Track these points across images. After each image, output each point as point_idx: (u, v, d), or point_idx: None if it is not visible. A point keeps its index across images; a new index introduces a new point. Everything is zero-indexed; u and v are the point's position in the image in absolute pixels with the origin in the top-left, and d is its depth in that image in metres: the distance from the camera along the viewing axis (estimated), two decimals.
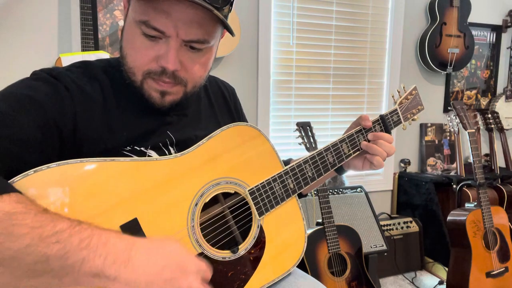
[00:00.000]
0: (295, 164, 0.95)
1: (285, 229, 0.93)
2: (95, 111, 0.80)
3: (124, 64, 0.82)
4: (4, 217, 0.56)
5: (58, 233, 0.58)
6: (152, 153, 0.84)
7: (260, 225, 0.89)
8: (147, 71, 0.80)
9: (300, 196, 1.01)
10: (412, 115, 1.17)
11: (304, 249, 0.94)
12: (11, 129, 0.67)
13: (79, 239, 0.59)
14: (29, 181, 0.64)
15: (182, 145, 0.87)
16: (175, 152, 0.87)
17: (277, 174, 0.92)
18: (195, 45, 0.79)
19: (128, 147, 0.82)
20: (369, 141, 1.05)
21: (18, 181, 0.63)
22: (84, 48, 1.85)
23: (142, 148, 0.83)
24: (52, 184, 0.64)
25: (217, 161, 0.86)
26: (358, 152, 1.05)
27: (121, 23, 2.15)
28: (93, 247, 0.59)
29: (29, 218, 0.57)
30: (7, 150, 0.65)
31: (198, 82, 0.86)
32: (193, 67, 0.82)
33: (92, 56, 1.81)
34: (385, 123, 1.09)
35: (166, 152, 0.86)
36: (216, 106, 1.04)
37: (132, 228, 0.70)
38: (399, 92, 1.18)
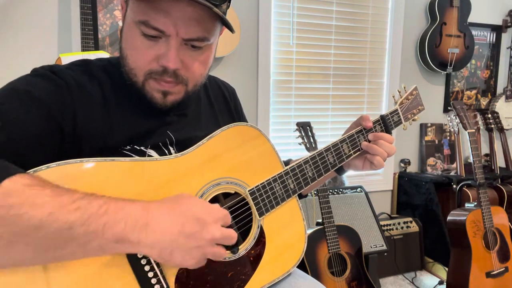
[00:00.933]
0: (296, 164, 0.95)
1: (285, 230, 0.93)
2: (94, 109, 0.80)
3: (125, 65, 0.82)
4: (25, 188, 0.58)
5: (77, 201, 0.60)
6: (152, 153, 0.84)
7: (260, 225, 0.89)
8: (148, 71, 0.80)
9: (300, 196, 1.01)
10: (412, 115, 1.17)
11: (304, 250, 0.94)
12: (11, 125, 0.68)
13: (98, 205, 0.61)
14: None
15: (182, 145, 0.87)
16: (175, 152, 0.87)
17: (277, 174, 0.92)
18: (195, 43, 0.79)
19: (128, 146, 0.82)
20: (369, 141, 1.05)
21: None
22: (84, 48, 1.85)
23: (142, 148, 0.83)
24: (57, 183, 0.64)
25: (218, 161, 0.86)
26: (358, 153, 1.05)
27: (121, 23, 2.15)
28: (112, 213, 0.61)
29: (48, 188, 0.59)
30: (6, 146, 0.66)
31: (199, 81, 0.86)
32: (193, 66, 0.82)
33: (92, 56, 1.81)
34: (386, 123, 1.09)
35: (166, 152, 0.86)
36: (216, 106, 1.04)
37: None
38: (399, 92, 1.18)
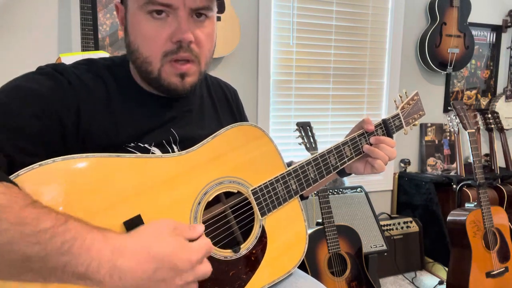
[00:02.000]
0: (298, 165, 0.95)
1: (287, 230, 0.93)
2: (98, 107, 0.80)
3: (137, 57, 0.82)
4: None
5: (39, 233, 0.55)
6: (156, 151, 0.84)
7: (262, 225, 0.89)
8: (164, 53, 0.80)
9: (302, 198, 1.01)
10: (413, 120, 1.18)
11: (305, 251, 0.94)
12: (15, 121, 0.68)
13: (61, 242, 0.56)
14: (34, 175, 0.64)
15: (185, 143, 0.88)
16: (178, 150, 0.87)
17: (280, 175, 0.92)
18: (201, 11, 0.81)
19: (132, 144, 0.82)
20: (371, 144, 1.05)
21: (23, 174, 0.63)
22: (84, 48, 1.84)
23: (146, 145, 0.83)
24: (57, 178, 0.64)
25: (221, 160, 0.86)
26: (360, 155, 1.05)
27: None
28: (75, 253, 0.57)
29: (12, 213, 0.55)
30: (11, 141, 0.66)
31: (208, 58, 0.87)
32: (202, 39, 0.83)
33: (92, 56, 1.81)
34: (387, 127, 1.09)
35: (170, 150, 0.86)
36: (219, 107, 1.04)
37: (135, 224, 0.70)
38: (401, 97, 1.19)
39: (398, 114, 1.14)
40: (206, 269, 0.68)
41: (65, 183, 0.65)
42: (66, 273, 0.57)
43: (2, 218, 0.54)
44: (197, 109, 0.97)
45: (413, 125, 1.19)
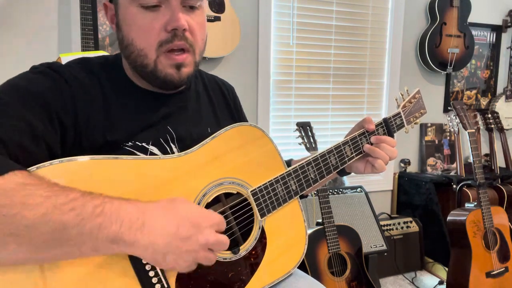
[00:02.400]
0: (298, 165, 0.95)
1: (286, 231, 0.93)
2: (94, 105, 0.80)
3: (132, 51, 0.82)
4: (18, 187, 0.57)
5: (72, 201, 0.59)
6: (154, 150, 0.84)
7: (262, 226, 0.89)
8: (159, 43, 0.80)
9: (301, 196, 1.01)
10: (414, 119, 1.17)
11: (305, 251, 0.94)
12: (13, 120, 0.68)
13: (93, 205, 0.60)
14: None
15: (183, 142, 0.88)
16: (177, 148, 0.87)
17: (279, 176, 0.92)
18: (192, 2, 0.81)
19: (129, 142, 0.82)
20: (372, 144, 1.05)
21: None
22: (84, 48, 1.84)
23: (143, 144, 0.83)
24: (55, 180, 0.64)
25: (220, 161, 0.86)
26: (361, 155, 1.05)
27: None
28: (108, 213, 0.61)
29: (42, 188, 0.58)
30: (12, 141, 0.66)
31: (201, 48, 0.88)
32: (195, 28, 0.84)
33: (92, 56, 1.81)
34: (388, 126, 1.09)
35: (168, 149, 0.86)
36: (216, 104, 1.04)
37: None
38: (402, 95, 1.17)
39: (399, 113, 1.13)
40: (225, 238, 0.72)
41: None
42: (100, 237, 0.60)
43: (37, 193, 0.57)
44: (193, 105, 0.97)
45: (415, 123, 1.18)
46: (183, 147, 0.85)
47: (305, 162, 0.96)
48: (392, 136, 1.08)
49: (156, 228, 0.64)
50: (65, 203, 0.59)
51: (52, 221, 0.57)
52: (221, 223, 0.72)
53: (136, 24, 0.80)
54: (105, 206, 0.61)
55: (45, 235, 0.57)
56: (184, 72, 0.85)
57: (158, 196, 0.74)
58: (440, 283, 2.42)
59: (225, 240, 0.72)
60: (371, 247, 2.23)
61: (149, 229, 0.64)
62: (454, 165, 2.90)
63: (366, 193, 2.48)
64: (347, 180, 2.59)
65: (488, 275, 2.03)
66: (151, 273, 0.71)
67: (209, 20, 2.09)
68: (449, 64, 2.81)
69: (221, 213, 0.87)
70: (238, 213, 0.89)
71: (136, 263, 0.69)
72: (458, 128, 2.61)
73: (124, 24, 0.82)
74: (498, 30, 3.10)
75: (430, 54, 2.77)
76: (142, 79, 0.87)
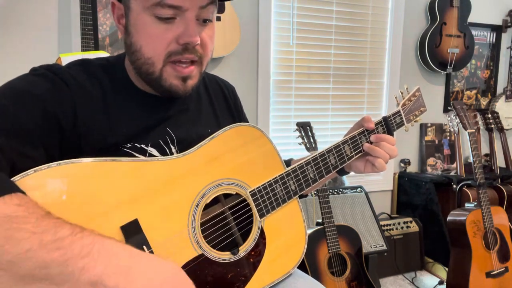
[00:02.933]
0: (297, 165, 0.95)
1: (286, 231, 0.93)
2: (94, 107, 0.80)
3: (139, 58, 0.81)
4: (5, 219, 0.55)
5: (59, 240, 0.56)
6: (153, 151, 0.84)
7: (261, 226, 0.89)
8: (168, 53, 0.80)
9: (300, 196, 1.00)
10: (414, 117, 1.17)
11: (304, 251, 0.94)
12: (11, 123, 0.67)
13: (81, 246, 0.57)
14: (29, 181, 0.63)
15: (182, 143, 0.87)
16: (176, 150, 0.87)
17: (278, 176, 0.92)
18: (206, 13, 0.81)
19: (128, 144, 0.82)
20: (371, 143, 1.04)
21: (18, 181, 0.62)
22: (84, 48, 1.84)
23: (142, 145, 0.83)
24: (52, 184, 0.64)
25: (219, 162, 0.85)
26: (360, 154, 1.04)
27: None
28: (94, 255, 0.58)
29: (30, 222, 0.56)
30: (9, 145, 0.65)
31: (209, 58, 0.88)
32: (206, 41, 0.84)
33: (92, 56, 1.81)
34: (388, 125, 1.08)
35: (167, 150, 0.86)
36: (216, 104, 1.04)
37: (133, 229, 0.70)
38: (402, 93, 1.17)
39: (399, 111, 1.13)
40: None
41: (61, 188, 0.64)
42: (82, 278, 0.57)
43: (23, 228, 0.55)
44: (194, 107, 0.97)
45: (415, 121, 1.18)
46: (182, 149, 0.84)
47: (304, 162, 0.96)
48: (392, 134, 1.08)
49: (140, 279, 0.60)
50: (51, 241, 0.56)
51: (35, 258, 0.55)
52: None
53: (147, 32, 0.79)
54: (94, 247, 0.58)
55: (27, 270, 0.55)
56: (190, 84, 0.85)
57: (155, 198, 0.74)
58: (440, 283, 2.42)
59: None
60: (371, 247, 2.23)
61: (132, 277, 0.60)
62: (454, 165, 2.90)
63: (366, 193, 2.48)
64: (347, 180, 2.59)
65: (488, 275, 2.03)
66: None
67: None
68: (449, 64, 2.81)
69: (221, 213, 0.87)
70: (237, 213, 0.89)
71: None
72: (458, 128, 2.61)
73: (134, 30, 0.81)
74: (498, 30, 3.10)
75: (430, 54, 2.77)
76: (145, 83, 0.87)
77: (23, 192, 0.60)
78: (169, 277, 0.64)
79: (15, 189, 0.59)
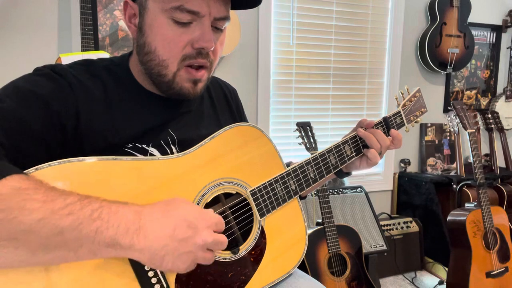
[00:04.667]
0: (297, 165, 0.95)
1: (286, 231, 0.93)
2: (97, 107, 0.80)
3: (152, 59, 0.82)
4: (15, 192, 0.57)
5: (69, 205, 0.59)
6: (154, 151, 0.84)
7: (261, 226, 0.89)
8: (183, 57, 0.81)
9: (300, 198, 1.01)
10: (415, 118, 1.17)
11: (305, 251, 0.94)
12: (15, 123, 0.68)
13: (91, 210, 0.60)
14: None
15: (183, 144, 0.88)
16: (177, 150, 0.87)
17: (279, 175, 0.92)
18: (221, 23, 0.83)
19: (129, 144, 0.82)
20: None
21: None
22: (84, 48, 1.84)
23: (143, 146, 0.83)
24: (53, 182, 0.64)
25: (219, 161, 0.86)
26: (361, 154, 1.05)
27: (121, 23, 2.15)
28: (105, 218, 0.61)
29: (40, 193, 0.58)
30: (10, 144, 0.66)
31: (216, 64, 0.90)
32: (217, 48, 0.86)
33: (92, 56, 1.81)
34: (388, 125, 1.09)
35: (168, 151, 0.86)
36: (218, 106, 1.04)
37: None
38: (402, 94, 1.17)
39: (399, 112, 1.13)
40: (223, 237, 0.71)
41: (61, 186, 0.64)
42: (97, 241, 0.60)
43: (34, 198, 0.57)
44: (196, 109, 0.97)
45: (415, 122, 1.18)
46: (183, 149, 0.84)
47: (304, 161, 0.96)
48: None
49: (153, 231, 0.64)
50: (62, 207, 0.59)
51: (49, 226, 0.57)
52: (219, 223, 0.72)
53: (163, 34, 0.80)
54: (103, 211, 0.61)
55: (42, 239, 0.57)
56: (199, 87, 0.86)
57: (156, 197, 0.74)
58: (440, 283, 2.42)
59: (223, 240, 0.71)
60: (371, 247, 2.23)
61: (145, 232, 0.64)
62: (454, 165, 2.90)
63: (366, 193, 2.48)
64: (347, 180, 2.59)
65: (488, 275, 2.03)
66: (151, 273, 0.71)
67: None
68: (449, 64, 2.81)
69: (221, 213, 0.87)
70: (237, 213, 0.89)
71: (135, 263, 0.69)
72: (458, 128, 2.61)
73: (150, 31, 0.81)
74: (498, 30, 3.10)
75: (430, 54, 2.77)
76: (153, 84, 0.87)
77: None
78: (179, 220, 0.67)
79: (20, 171, 0.61)
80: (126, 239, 0.62)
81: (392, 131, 1.07)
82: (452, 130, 2.84)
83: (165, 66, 0.82)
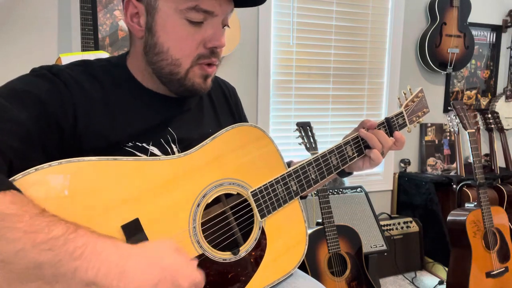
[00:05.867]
0: (299, 166, 0.95)
1: (287, 231, 0.93)
2: (95, 107, 0.80)
3: (164, 59, 0.83)
4: None
5: (51, 240, 0.56)
6: (155, 150, 0.84)
7: (262, 227, 0.89)
8: (197, 56, 0.83)
9: (301, 197, 1.01)
10: (417, 118, 1.16)
11: (305, 252, 0.94)
12: (11, 124, 0.67)
13: (73, 247, 0.57)
14: (30, 179, 0.63)
15: (184, 142, 0.88)
16: (178, 149, 0.87)
17: (280, 176, 0.92)
18: (227, 20, 0.85)
19: (130, 143, 0.82)
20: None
21: (19, 179, 0.62)
22: (84, 48, 1.84)
23: (144, 144, 0.83)
24: (53, 183, 0.64)
25: (221, 162, 0.85)
26: (362, 155, 1.04)
27: (121, 23, 2.15)
28: (87, 258, 0.58)
29: (23, 221, 0.56)
30: (7, 145, 0.65)
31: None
32: (224, 44, 0.87)
33: (92, 56, 1.81)
34: (390, 126, 1.08)
35: (168, 149, 0.86)
36: (217, 105, 1.04)
37: (133, 228, 0.70)
38: (405, 94, 1.17)
39: (401, 112, 1.13)
40: None
41: (62, 187, 0.64)
42: (75, 279, 0.57)
43: (15, 227, 0.55)
44: (196, 108, 0.97)
45: (417, 122, 1.17)
46: (184, 148, 0.84)
47: (305, 162, 0.96)
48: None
49: (136, 279, 0.61)
50: (44, 241, 0.56)
51: (27, 258, 0.55)
52: (199, 283, 0.69)
53: (177, 34, 0.81)
54: (86, 249, 0.58)
55: (19, 270, 0.55)
56: (208, 83, 0.88)
57: (157, 198, 0.73)
58: (440, 283, 2.42)
59: None
60: (371, 247, 2.23)
61: (126, 279, 0.60)
62: (454, 165, 2.90)
63: (366, 193, 2.48)
64: (347, 180, 2.59)
65: (488, 275, 2.03)
66: None
67: None
68: (449, 64, 2.81)
69: (222, 213, 0.88)
70: (238, 213, 0.89)
71: None
72: (458, 128, 2.61)
73: (162, 31, 0.81)
74: (498, 30, 3.10)
75: (430, 54, 2.77)
76: (158, 83, 0.87)
77: (18, 190, 0.60)
78: (164, 274, 0.64)
79: (9, 186, 0.59)
80: (106, 281, 0.59)
81: (396, 133, 1.07)
82: (452, 130, 2.84)
83: (178, 65, 0.83)
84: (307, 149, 1.90)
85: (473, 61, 3.06)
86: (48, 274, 0.56)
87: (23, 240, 0.55)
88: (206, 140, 0.85)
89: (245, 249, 0.86)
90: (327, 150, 1.00)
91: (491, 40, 3.10)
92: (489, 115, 2.93)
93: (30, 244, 0.55)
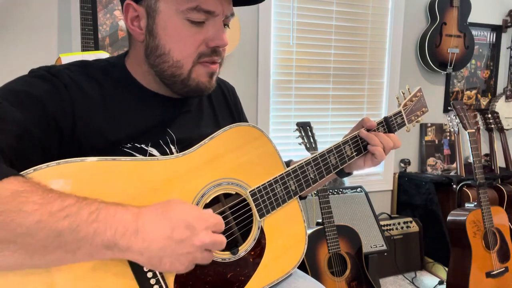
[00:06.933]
0: (297, 165, 0.95)
1: (286, 231, 0.93)
2: (94, 108, 0.80)
3: (165, 61, 0.83)
4: (13, 195, 0.57)
5: (67, 208, 0.59)
6: (153, 151, 0.84)
7: (261, 226, 0.89)
8: (198, 55, 0.83)
9: (300, 198, 1.01)
10: (416, 117, 1.17)
11: (305, 251, 0.94)
12: (11, 125, 0.67)
13: (88, 212, 0.60)
14: None
15: (183, 143, 0.88)
16: (176, 150, 0.87)
17: (278, 176, 0.92)
18: (228, 20, 0.86)
19: (128, 144, 0.82)
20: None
21: None
22: (84, 48, 1.84)
23: (142, 146, 0.83)
24: (52, 183, 0.64)
25: (219, 162, 0.85)
26: (361, 154, 1.04)
27: (121, 23, 2.15)
28: (103, 220, 0.61)
29: (37, 195, 0.58)
30: (7, 144, 0.65)
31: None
32: (227, 43, 0.87)
33: (92, 56, 1.81)
34: (389, 125, 1.08)
35: (167, 150, 0.86)
36: (216, 105, 1.04)
37: None
38: (403, 93, 1.17)
39: (400, 112, 1.13)
40: (222, 238, 0.71)
41: (60, 188, 0.64)
42: (95, 243, 0.60)
43: (31, 201, 0.57)
44: (195, 109, 0.97)
45: (416, 122, 1.17)
46: (182, 149, 0.84)
47: (304, 162, 0.96)
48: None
49: (150, 233, 0.64)
50: (60, 209, 0.58)
51: (46, 228, 0.57)
52: (218, 223, 0.71)
53: (178, 35, 0.81)
54: (100, 212, 0.61)
55: (40, 241, 0.57)
56: (213, 81, 0.88)
57: (156, 197, 0.73)
58: (440, 283, 2.42)
59: (222, 240, 0.71)
60: (371, 247, 2.23)
61: (143, 234, 0.63)
62: (454, 165, 2.90)
63: (366, 193, 2.48)
64: (347, 180, 2.59)
65: (488, 275, 2.03)
66: (149, 274, 0.71)
67: None
68: (449, 64, 2.81)
69: (221, 213, 0.87)
70: (237, 213, 0.89)
71: (134, 265, 0.69)
72: (458, 128, 2.61)
73: (164, 33, 0.81)
74: (498, 30, 3.10)
75: (430, 54, 2.77)
76: (160, 84, 0.87)
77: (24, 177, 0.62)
78: (177, 222, 0.67)
79: (17, 173, 0.61)
80: (124, 241, 0.62)
81: (389, 135, 1.06)
82: (452, 130, 2.84)
83: (179, 66, 0.83)
84: (307, 149, 1.90)
85: (473, 61, 3.05)
86: (68, 241, 0.59)
87: (40, 211, 0.57)
88: (204, 140, 0.85)
89: (244, 248, 0.86)
90: (326, 150, 1.00)
91: (491, 40, 3.10)
92: (489, 115, 2.93)
93: (47, 214, 0.57)
